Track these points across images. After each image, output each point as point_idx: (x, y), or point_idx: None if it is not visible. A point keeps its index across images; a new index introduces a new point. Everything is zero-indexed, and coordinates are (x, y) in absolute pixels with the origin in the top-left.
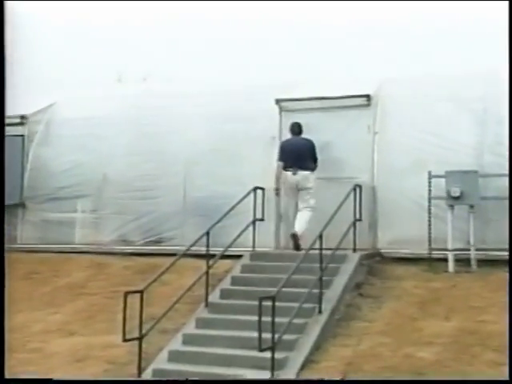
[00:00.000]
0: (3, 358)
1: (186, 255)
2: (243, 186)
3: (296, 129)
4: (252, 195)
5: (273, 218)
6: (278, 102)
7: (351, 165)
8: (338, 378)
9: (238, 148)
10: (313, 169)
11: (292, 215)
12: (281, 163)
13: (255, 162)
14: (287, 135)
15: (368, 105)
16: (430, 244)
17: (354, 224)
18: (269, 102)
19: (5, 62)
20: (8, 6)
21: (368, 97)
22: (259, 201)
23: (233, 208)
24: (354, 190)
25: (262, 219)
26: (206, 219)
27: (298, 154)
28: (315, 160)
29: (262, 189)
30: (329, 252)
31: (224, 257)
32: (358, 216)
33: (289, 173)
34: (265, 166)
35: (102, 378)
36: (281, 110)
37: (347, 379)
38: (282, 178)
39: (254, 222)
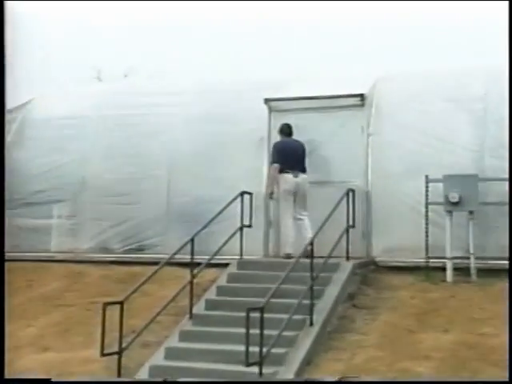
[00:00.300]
0: (3, 357)
1: (169, 264)
2: (230, 191)
3: (287, 130)
4: (239, 200)
5: (261, 225)
6: (266, 101)
7: (344, 168)
8: (338, 378)
9: (224, 150)
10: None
11: (290, 221)
12: (277, 165)
13: (242, 165)
14: (277, 137)
15: (362, 105)
16: (427, 252)
17: (346, 231)
18: (257, 101)
19: (5, 61)
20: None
21: (362, 96)
22: (247, 206)
23: (219, 214)
24: (347, 194)
25: (249, 226)
26: (190, 225)
27: (297, 156)
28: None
29: (250, 193)
30: (320, 260)
31: (209, 265)
32: (351, 222)
33: (289, 175)
34: (253, 169)
35: (103, 379)
36: (270, 110)
37: (347, 379)
38: (281, 182)
39: (241, 229)
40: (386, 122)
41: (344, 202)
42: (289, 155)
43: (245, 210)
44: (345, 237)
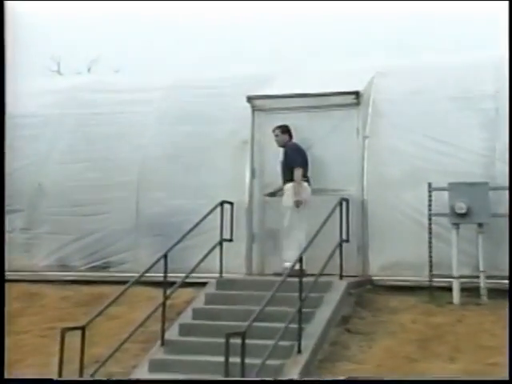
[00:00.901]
0: (3, 357)
1: (138, 283)
2: (208, 200)
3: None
4: (218, 211)
5: (243, 238)
6: (250, 99)
7: (336, 175)
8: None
9: (202, 154)
10: None
11: (304, 234)
12: (301, 170)
13: (223, 172)
14: (262, 139)
15: (357, 103)
16: (430, 270)
17: (339, 245)
18: (239, 99)
19: (5, 61)
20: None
21: (357, 94)
22: (227, 218)
23: (195, 226)
24: (340, 204)
25: (230, 240)
26: (163, 239)
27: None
28: None
29: (231, 203)
30: (310, 279)
31: (185, 285)
32: (344, 236)
33: (306, 184)
34: (234, 175)
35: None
36: (253, 109)
37: (347, 379)
38: (300, 190)
39: (221, 243)
40: (384, 123)
41: (336, 212)
42: (306, 161)
43: (225, 222)
44: (338, 252)
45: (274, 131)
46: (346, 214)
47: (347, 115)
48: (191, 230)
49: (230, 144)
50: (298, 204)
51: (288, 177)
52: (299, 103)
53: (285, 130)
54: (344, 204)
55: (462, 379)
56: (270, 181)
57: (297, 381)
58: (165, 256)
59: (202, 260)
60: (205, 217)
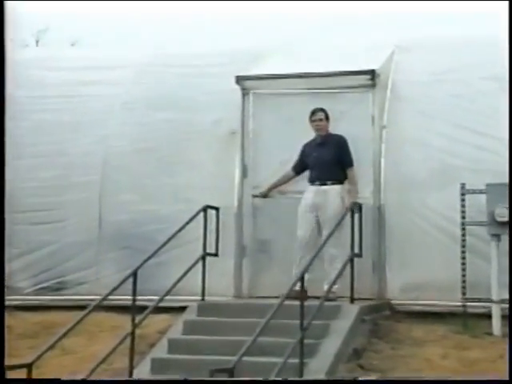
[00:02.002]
0: (3, 357)
1: (100, 308)
2: (188, 205)
3: None
4: (201, 218)
5: (231, 253)
6: (240, 80)
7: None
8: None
9: (180, 148)
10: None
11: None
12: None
13: (206, 169)
14: (255, 129)
15: (372, 85)
16: (464, 292)
17: (350, 261)
18: (227, 80)
19: (5, 61)
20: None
21: (372, 74)
22: (212, 226)
23: (172, 237)
24: (352, 211)
25: (215, 254)
26: (131, 253)
27: None
28: (294, 166)
29: (216, 208)
30: (314, 303)
31: (158, 310)
32: (356, 250)
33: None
34: (220, 174)
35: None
36: (244, 92)
37: (347, 379)
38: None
39: (203, 258)
40: (406, 110)
41: (347, 220)
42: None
43: (209, 232)
44: (348, 270)
45: (314, 114)
46: (359, 222)
47: (360, 100)
48: (167, 242)
49: (216, 135)
50: (357, 209)
51: (326, 176)
52: (301, 85)
53: (328, 114)
54: (356, 210)
55: (462, 379)
56: (266, 181)
57: (297, 381)
58: (134, 274)
59: (179, 279)
60: (184, 226)
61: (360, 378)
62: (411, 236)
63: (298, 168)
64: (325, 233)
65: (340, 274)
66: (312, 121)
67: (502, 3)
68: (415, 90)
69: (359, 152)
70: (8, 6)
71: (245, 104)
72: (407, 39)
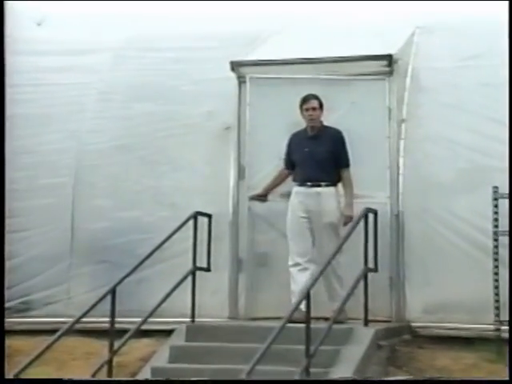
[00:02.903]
0: (3, 357)
1: (73, 332)
2: (174, 211)
3: None
4: (190, 227)
5: (226, 267)
6: (235, 66)
7: (359, 174)
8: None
9: (165, 145)
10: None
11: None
12: None
13: (196, 170)
14: (253, 123)
15: (389, 73)
16: (497, 313)
17: (364, 277)
18: (220, 66)
19: (5, 62)
20: None
21: (389, 59)
22: (203, 237)
23: (156, 249)
24: (365, 218)
25: (207, 268)
26: (108, 268)
27: None
28: (286, 164)
29: (208, 216)
30: (321, 325)
31: (141, 334)
32: (371, 263)
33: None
34: (212, 176)
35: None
36: (241, 80)
37: (348, 379)
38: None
39: (193, 274)
40: (429, 101)
41: (360, 229)
42: None
43: (200, 243)
44: (361, 287)
45: (307, 101)
46: (374, 231)
47: (375, 89)
48: (150, 254)
49: (207, 131)
50: (349, 221)
51: (320, 176)
52: (306, 72)
53: (322, 102)
54: (370, 217)
55: (462, 379)
56: (265, 182)
57: (297, 381)
58: (112, 292)
59: (165, 298)
60: (170, 235)
61: (360, 379)
62: (435, 248)
63: (290, 164)
64: (323, 245)
65: (353, 290)
66: (304, 110)
67: (502, 3)
68: (439, 78)
69: (373, 150)
70: None
71: (241, 94)
72: (430, 19)
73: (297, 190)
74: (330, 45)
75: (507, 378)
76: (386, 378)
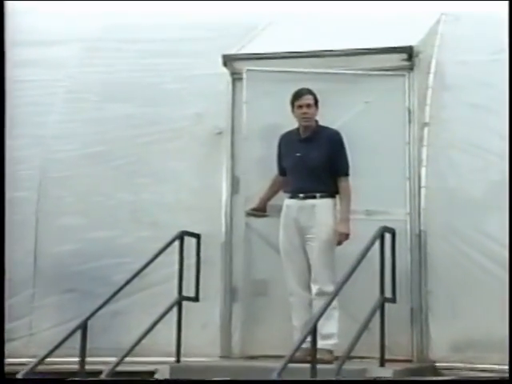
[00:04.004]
0: (3, 357)
1: (36, 374)
2: (156, 231)
3: None
4: (176, 249)
5: (217, 296)
6: (228, 60)
7: (373, 187)
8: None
9: (144, 154)
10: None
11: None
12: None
13: (181, 183)
14: (250, 127)
15: (409, 68)
16: None
17: (380, 308)
18: (209, 61)
19: (5, 61)
20: None
21: (409, 52)
22: (190, 261)
23: (135, 276)
24: (381, 238)
25: (195, 298)
26: (78, 298)
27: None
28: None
29: (197, 236)
30: (329, 366)
31: (117, 375)
32: (388, 292)
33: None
34: (202, 189)
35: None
36: (235, 77)
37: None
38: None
39: (179, 305)
40: (456, 101)
41: (375, 250)
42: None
43: (187, 268)
44: (377, 320)
45: (300, 97)
46: (392, 254)
47: (392, 87)
48: (128, 282)
49: (195, 136)
50: (343, 240)
51: (315, 186)
52: (312, 66)
53: (317, 99)
54: (387, 238)
55: (461, 379)
56: (261, 194)
57: (296, 381)
58: (83, 327)
59: (145, 333)
60: (151, 260)
61: (360, 379)
62: (463, 274)
63: (283, 171)
64: (314, 265)
65: (367, 324)
66: (297, 107)
67: (502, 3)
68: (468, 75)
69: (390, 159)
70: None
71: (235, 93)
72: (457, 4)
73: (288, 202)
74: (339, 36)
75: (507, 379)
76: (387, 378)
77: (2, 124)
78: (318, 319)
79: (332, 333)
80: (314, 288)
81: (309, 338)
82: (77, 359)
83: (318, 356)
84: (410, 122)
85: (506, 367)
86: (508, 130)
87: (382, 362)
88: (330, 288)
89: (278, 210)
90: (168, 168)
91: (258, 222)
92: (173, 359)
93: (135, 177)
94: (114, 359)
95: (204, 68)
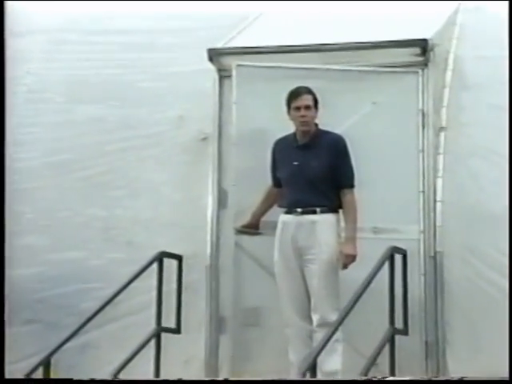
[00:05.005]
0: (3, 357)
1: None
2: (131, 251)
3: None
4: (154, 272)
5: (201, 327)
6: (215, 55)
7: (384, 202)
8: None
9: (117, 163)
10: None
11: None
12: None
13: (160, 197)
14: (240, 131)
15: (423, 64)
16: None
17: (390, 341)
18: (193, 55)
19: (5, 61)
20: None
21: (423, 45)
22: (171, 286)
23: (107, 304)
24: (391, 260)
25: (176, 330)
26: (40, 330)
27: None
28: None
29: (178, 257)
30: None
31: None
32: (399, 323)
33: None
34: (184, 203)
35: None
36: (222, 74)
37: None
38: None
39: (157, 337)
40: (476, 103)
41: (383, 274)
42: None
43: (166, 296)
44: (386, 353)
45: (298, 96)
46: (403, 278)
47: (404, 86)
48: (99, 311)
49: (176, 142)
50: (349, 262)
51: (314, 200)
52: (313, 62)
53: (317, 99)
54: (397, 259)
55: (462, 379)
56: (254, 209)
57: (296, 381)
58: (46, 364)
59: (119, 370)
60: (126, 285)
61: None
62: (485, 301)
63: (277, 182)
64: (313, 291)
65: (375, 359)
66: (294, 108)
67: (502, 3)
68: (490, 72)
69: (401, 168)
70: None
71: (223, 93)
72: None
73: (284, 218)
74: (342, 28)
75: (507, 379)
76: (385, 378)
77: (2, 124)
78: (318, 353)
79: (335, 370)
80: (315, 318)
81: (308, 376)
82: None
83: None
84: (423, 126)
85: None
86: (508, 130)
87: None
88: (333, 317)
89: (273, 227)
90: (145, 179)
91: (249, 241)
92: None
93: (107, 189)
94: None
95: (186, 64)
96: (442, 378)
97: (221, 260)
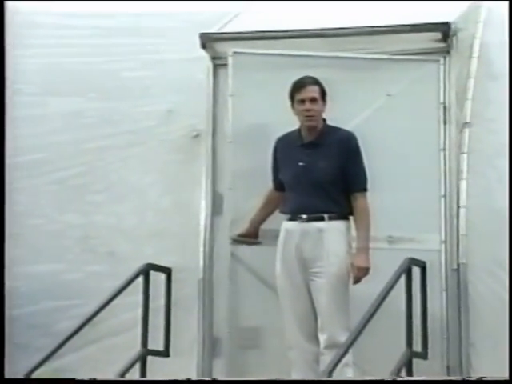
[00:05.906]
0: (3, 357)
1: None
2: (114, 264)
3: None
4: (139, 287)
5: (193, 349)
6: (208, 41)
7: (400, 207)
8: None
9: (99, 164)
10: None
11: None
12: None
13: (146, 201)
14: (237, 127)
15: (445, 51)
16: None
17: (407, 365)
18: (183, 42)
19: (5, 61)
20: None
21: (445, 30)
22: (158, 303)
23: (86, 323)
24: (408, 274)
25: (164, 352)
26: (11, 352)
27: None
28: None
29: (166, 270)
30: None
31: None
32: (417, 345)
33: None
34: (172, 209)
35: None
36: (216, 62)
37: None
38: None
39: (143, 360)
40: (505, 95)
41: (400, 289)
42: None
43: (153, 314)
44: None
45: (302, 87)
46: (422, 294)
47: (423, 76)
48: (76, 331)
49: (165, 140)
50: (362, 276)
51: (322, 205)
52: (320, 49)
53: (325, 91)
54: (416, 272)
55: (462, 379)
56: (252, 216)
57: (296, 381)
58: None
59: None
60: (108, 301)
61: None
62: None
63: (279, 185)
64: (321, 308)
65: None
66: (298, 101)
67: (502, 3)
68: None
69: (421, 169)
70: None
71: (217, 84)
72: None
73: (287, 226)
74: (352, 10)
75: (507, 378)
76: (385, 378)
77: (2, 124)
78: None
79: None
80: (322, 338)
81: None
82: None
83: None
84: (445, 121)
85: None
86: (508, 130)
87: None
88: (343, 338)
89: (274, 235)
90: (128, 182)
91: (247, 252)
92: None
93: (85, 193)
94: None
95: (176, 51)
96: (442, 378)
97: (215, 273)
